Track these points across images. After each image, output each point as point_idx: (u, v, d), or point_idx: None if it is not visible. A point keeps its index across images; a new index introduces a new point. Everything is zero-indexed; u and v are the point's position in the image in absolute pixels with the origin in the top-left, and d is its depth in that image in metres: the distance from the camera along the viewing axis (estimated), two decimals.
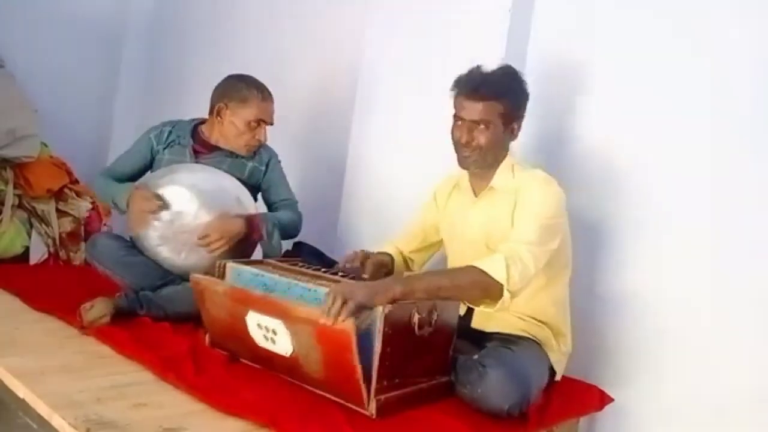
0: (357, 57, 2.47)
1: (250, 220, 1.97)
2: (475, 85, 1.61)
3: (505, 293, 1.44)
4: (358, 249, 1.77)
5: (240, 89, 2.06)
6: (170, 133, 2.14)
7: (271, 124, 2.13)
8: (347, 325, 1.28)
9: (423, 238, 1.89)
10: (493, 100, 1.60)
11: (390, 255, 1.83)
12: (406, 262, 1.90)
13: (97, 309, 1.73)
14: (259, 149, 2.18)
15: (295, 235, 2.18)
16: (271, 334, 1.46)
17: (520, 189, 1.62)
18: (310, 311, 1.35)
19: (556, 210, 1.59)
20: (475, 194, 1.73)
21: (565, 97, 1.75)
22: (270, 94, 2.11)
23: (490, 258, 1.47)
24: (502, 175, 1.68)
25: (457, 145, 1.67)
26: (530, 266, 1.48)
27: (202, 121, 2.19)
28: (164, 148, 2.12)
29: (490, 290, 1.45)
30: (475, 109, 1.61)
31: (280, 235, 2.06)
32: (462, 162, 1.68)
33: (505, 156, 1.70)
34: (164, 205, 1.90)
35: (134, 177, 2.16)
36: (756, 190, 1.67)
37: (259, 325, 1.48)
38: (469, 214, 1.73)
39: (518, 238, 1.52)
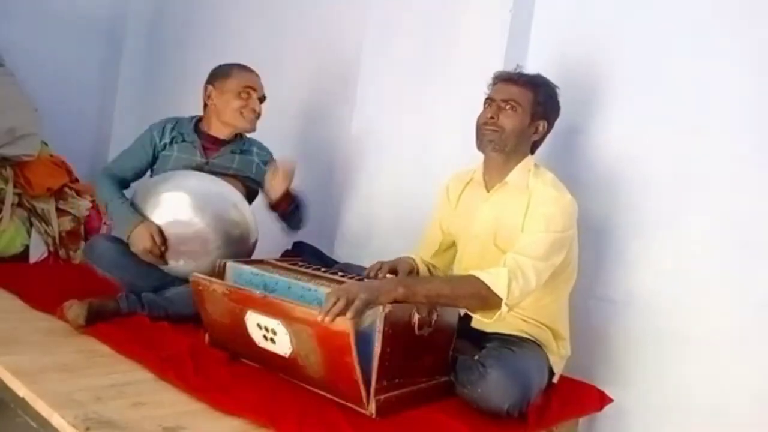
0: (356, 58, 2.48)
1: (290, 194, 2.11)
2: (513, 73, 1.71)
3: (503, 307, 1.46)
4: (383, 260, 1.74)
5: (221, 69, 2.15)
6: (172, 129, 2.15)
7: (262, 97, 2.15)
8: (346, 326, 1.28)
9: (441, 240, 1.85)
10: (527, 87, 1.66)
11: (413, 259, 1.81)
12: (429, 270, 1.85)
13: (73, 311, 1.74)
14: (262, 150, 2.22)
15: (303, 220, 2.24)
16: (270, 334, 1.46)
17: (534, 194, 1.61)
18: (309, 311, 1.34)
19: (567, 223, 1.59)
20: (487, 190, 1.72)
21: (566, 97, 1.75)
22: (253, 70, 2.16)
23: (494, 271, 1.47)
24: (518, 172, 1.67)
25: (480, 126, 1.67)
26: (532, 282, 1.49)
27: (201, 118, 2.20)
28: (170, 144, 2.13)
29: (488, 302, 1.46)
30: (507, 90, 1.66)
31: (298, 217, 2.17)
32: (480, 141, 1.68)
33: (524, 155, 1.70)
34: (167, 247, 1.91)
35: (138, 175, 2.18)
36: (757, 192, 1.67)
37: (258, 325, 1.48)
38: (480, 209, 1.72)
39: (525, 251, 1.51)
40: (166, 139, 2.14)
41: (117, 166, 2.17)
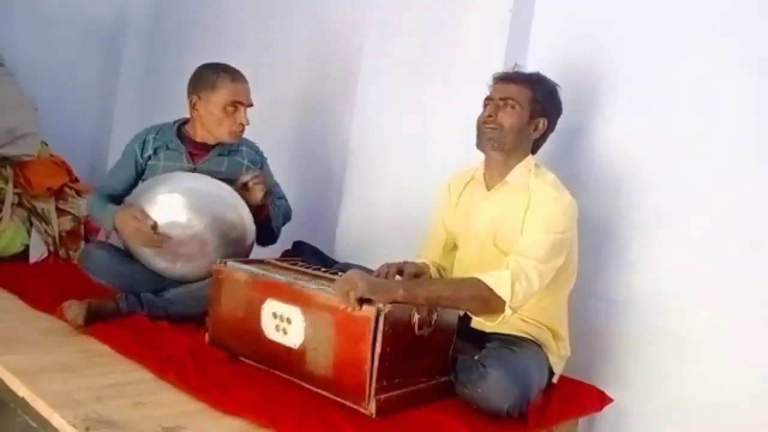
0: (356, 58, 2.47)
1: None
2: (511, 72, 1.72)
3: (507, 309, 1.45)
4: (391, 262, 1.67)
5: (207, 77, 2.00)
6: (155, 139, 2.07)
7: (250, 105, 2.04)
8: (370, 312, 1.32)
9: (447, 239, 1.83)
10: (525, 85, 1.66)
11: (425, 264, 1.76)
12: (440, 273, 1.82)
13: (72, 310, 1.74)
14: (251, 149, 2.16)
15: (286, 222, 2.23)
16: (284, 324, 1.49)
17: (534, 194, 1.61)
18: (333, 298, 1.39)
19: (568, 224, 1.58)
20: (488, 189, 1.72)
21: (566, 97, 1.75)
22: (242, 75, 2.03)
23: (497, 274, 1.46)
24: (519, 172, 1.66)
25: (480, 125, 1.68)
26: (535, 284, 1.48)
27: (185, 121, 2.12)
28: (154, 154, 2.06)
29: (491, 305, 1.45)
30: (505, 89, 1.67)
31: (265, 233, 2.12)
32: (480, 140, 1.68)
33: (525, 153, 1.70)
34: (156, 224, 1.87)
35: (127, 191, 2.09)
36: (756, 193, 1.67)
37: (274, 314, 1.52)
38: (480, 208, 1.71)
39: (527, 253, 1.50)
40: (149, 151, 2.06)
41: (106, 185, 2.13)
